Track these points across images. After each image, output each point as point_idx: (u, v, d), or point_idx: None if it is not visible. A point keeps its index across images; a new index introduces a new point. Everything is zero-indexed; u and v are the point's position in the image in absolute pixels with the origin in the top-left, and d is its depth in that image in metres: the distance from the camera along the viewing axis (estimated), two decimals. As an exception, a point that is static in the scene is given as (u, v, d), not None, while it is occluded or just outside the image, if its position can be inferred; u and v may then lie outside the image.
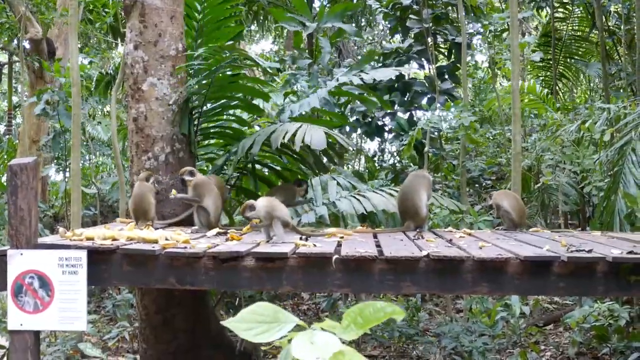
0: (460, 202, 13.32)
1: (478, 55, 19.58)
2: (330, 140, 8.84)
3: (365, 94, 11.32)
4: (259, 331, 2.25)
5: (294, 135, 8.34)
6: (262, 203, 7.07)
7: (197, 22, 9.90)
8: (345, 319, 2.27)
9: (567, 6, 20.31)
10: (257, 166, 10.39)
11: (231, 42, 9.74)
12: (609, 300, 10.05)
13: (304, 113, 10.29)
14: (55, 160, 18.06)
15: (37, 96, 14.18)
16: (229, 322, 2.27)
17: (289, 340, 2.17)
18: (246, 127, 10.33)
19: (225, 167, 9.82)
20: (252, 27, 23.24)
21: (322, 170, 10.33)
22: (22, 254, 6.07)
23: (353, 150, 20.96)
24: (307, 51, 15.06)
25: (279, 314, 2.28)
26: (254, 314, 2.28)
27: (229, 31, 10.22)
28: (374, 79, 10.87)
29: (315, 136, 8.24)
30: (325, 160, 10.37)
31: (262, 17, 21.74)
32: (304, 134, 8.30)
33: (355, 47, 20.82)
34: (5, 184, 8.62)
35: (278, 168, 10.53)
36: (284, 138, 8.44)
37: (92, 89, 17.97)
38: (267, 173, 10.71)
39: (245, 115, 10.81)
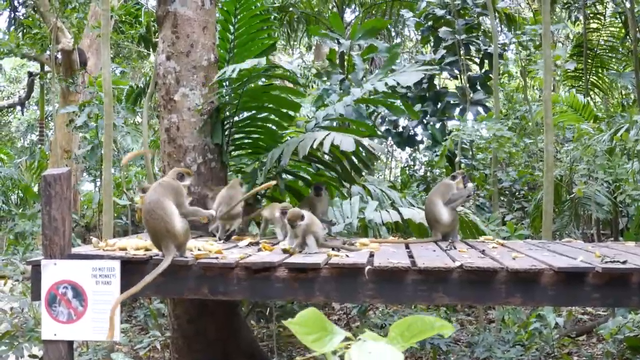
0: (492, 213, 13.27)
1: (510, 65, 19.52)
2: (359, 146, 8.80)
3: (393, 102, 11.27)
4: (315, 338, 2.23)
5: (321, 143, 8.31)
6: (308, 215, 7.11)
7: (231, 34, 9.92)
8: (392, 331, 2.24)
9: (600, 16, 20.22)
10: (289, 177, 10.39)
11: (261, 55, 9.76)
12: (643, 312, 9.96)
13: (331, 120, 10.26)
14: (86, 170, 18.15)
15: (80, 108, 14.27)
16: (290, 323, 2.25)
17: (334, 352, 2.15)
18: (278, 138, 10.32)
19: (257, 176, 9.79)
20: (282, 38, 23.24)
21: (350, 180, 10.29)
22: (55, 264, 6.10)
23: (385, 155, 20.91)
24: (342, 65, 15.14)
25: (327, 324, 2.27)
26: (310, 319, 2.26)
27: (261, 43, 10.23)
28: (405, 87, 10.87)
29: (344, 140, 8.21)
30: (352, 172, 10.31)
31: (293, 29, 21.76)
32: (333, 139, 8.27)
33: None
34: (38, 193, 8.67)
35: (308, 177, 10.51)
36: (312, 146, 8.40)
37: (123, 100, 18.07)
38: (300, 184, 10.68)
39: (276, 126, 10.79)
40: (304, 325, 2.23)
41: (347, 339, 2.20)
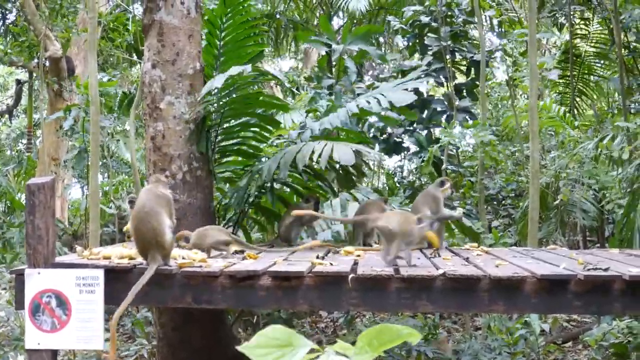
0: (478, 220, 13.30)
1: (497, 72, 19.56)
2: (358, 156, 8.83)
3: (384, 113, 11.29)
4: (275, 356, 2.22)
5: (320, 154, 8.31)
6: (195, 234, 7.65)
7: (219, 41, 9.92)
8: (360, 340, 2.25)
9: (586, 22, 20.25)
10: (277, 185, 10.39)
11: (250, 63, 9.76)
12: (628, 318, 9.99)
13: (325, 130, 10.27)
14: (74, 178, 18.10)
15: (65, 112, 14.23)
16: (244, 348, 2.24)
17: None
18: (265, 145, 10.33)
19: (248, 187, 9.77)
20: (270, 46, 23.24)
21: (345, 187, 10.31)
22: (39, 273, 6.10)
23: (374, 163, 20.94)
24: (331, 69, 15.16)
25: (292, 338, 2.25)
26: (269, 338, 2.26)
27: (250, 50, 10.22)
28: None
29: (343, 153, 8.22)
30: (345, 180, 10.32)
31: (281, 36, 21.74)
32: (331, 151, 8.29)
33: (376, 63, 20.82)
34: (23, 202, 8.68)
35: (298, 187, 10.50)
36: (310, 158, 8.41)
37: (115, 107, 18.05)
38: (287, 191, 10.68)
39: (264, 133, 10.79)
40: (263, 346, 2.23)
41: (313, 350, 2.21)
